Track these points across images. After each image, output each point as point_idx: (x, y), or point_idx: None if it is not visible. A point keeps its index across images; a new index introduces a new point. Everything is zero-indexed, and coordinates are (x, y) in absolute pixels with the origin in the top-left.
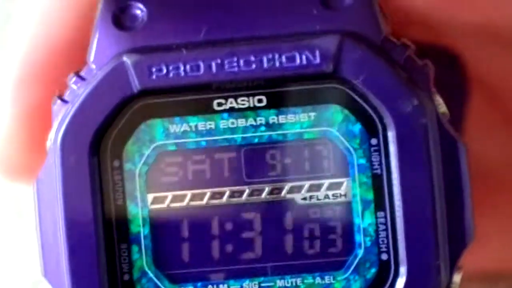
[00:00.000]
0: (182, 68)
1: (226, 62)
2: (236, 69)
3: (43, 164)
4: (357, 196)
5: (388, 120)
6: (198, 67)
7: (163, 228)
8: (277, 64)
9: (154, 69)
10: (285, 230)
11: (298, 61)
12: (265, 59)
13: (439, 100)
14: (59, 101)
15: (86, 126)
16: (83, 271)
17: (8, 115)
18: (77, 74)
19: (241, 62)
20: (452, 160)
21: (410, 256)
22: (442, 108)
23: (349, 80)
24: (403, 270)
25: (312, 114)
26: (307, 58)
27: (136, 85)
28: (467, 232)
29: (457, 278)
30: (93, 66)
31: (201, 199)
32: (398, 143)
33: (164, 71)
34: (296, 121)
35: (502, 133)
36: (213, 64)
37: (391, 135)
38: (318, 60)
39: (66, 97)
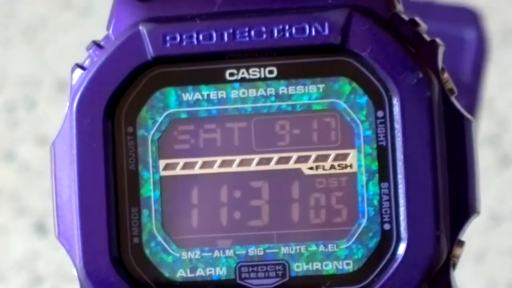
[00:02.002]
0: (195, 36)
1: (237, 32)
2: (247, 39)
3: (60, 130)
4: (362, 167)
5: (394, 92)
6: (210, 36)
7: (173, 194)
8: (287, 34)
9: (168, 38)
10: (292, 199)
11: (307, 32)
12: (275, 30)
13: (446, 77)
14: (78, 69)
15: (101, 91)
16: (93, 232)
17: None
18: (96, 43)
19: (252, 32)
20: (458, 134)
21: (410, 226)
22: (449, 84)
23: (356, 52)
24: (403, 239)
25: (321, 86)
26: (316, 29)
27: (150, 52)
28: (469, 205)
29: (458, 251)
30: (111, 36)
31: (211, 166)
32: (402, 115)
33: (178, 39)
34: (305, 92)
35: None
36: (225, 34)
37: (396, 106)
38: (326, 32)
39: (85, 65)
